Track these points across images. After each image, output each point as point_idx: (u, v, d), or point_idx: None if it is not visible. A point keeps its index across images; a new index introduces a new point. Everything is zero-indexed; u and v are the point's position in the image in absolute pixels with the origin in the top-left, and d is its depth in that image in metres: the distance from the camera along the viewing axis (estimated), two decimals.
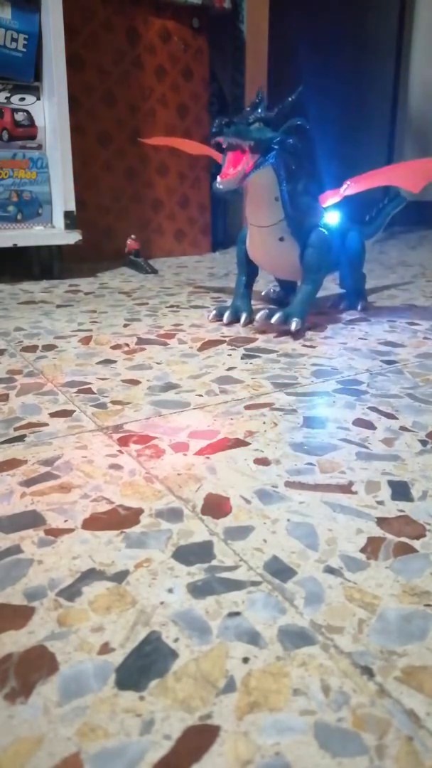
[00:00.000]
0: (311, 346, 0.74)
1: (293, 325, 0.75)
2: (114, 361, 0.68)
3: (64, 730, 0.22)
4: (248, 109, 0.72)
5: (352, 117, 2.05)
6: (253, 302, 0.88)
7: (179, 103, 1.58)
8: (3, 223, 1.22)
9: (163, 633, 0.27)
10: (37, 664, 0.25)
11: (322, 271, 0.81)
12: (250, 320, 0.83)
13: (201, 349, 0.72)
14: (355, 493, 0.39)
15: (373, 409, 0.53)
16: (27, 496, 0.38)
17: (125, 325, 0.85)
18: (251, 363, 0.67)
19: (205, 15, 1.56)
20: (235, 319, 0.84)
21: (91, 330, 0.83)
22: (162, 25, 1.51)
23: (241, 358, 0.68)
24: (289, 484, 0.40)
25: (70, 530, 0.35)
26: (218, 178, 0.68)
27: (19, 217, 1.24)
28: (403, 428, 0.49)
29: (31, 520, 0.36)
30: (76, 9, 1.36)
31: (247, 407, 0.54)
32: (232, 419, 0.51)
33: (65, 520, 0.36)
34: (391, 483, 0.40)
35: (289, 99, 0.74)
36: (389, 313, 0.93)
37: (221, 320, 0.84)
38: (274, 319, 0.76)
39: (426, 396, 0.57)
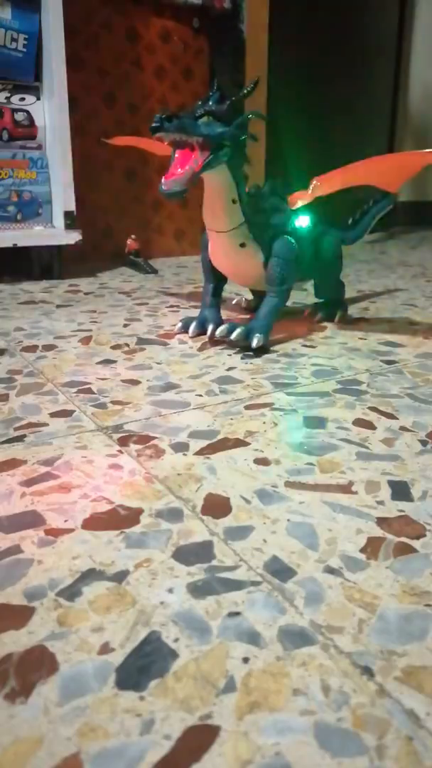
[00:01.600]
0: (311, 346, 0.74)
1: (254, 342, 0.69)
2: (114, 361, 0.68)
3: (64, 730, 0.22)
4: (199, 102, 0.65)
5: (352, 117, 2.05)
6: (230, 311, 0.87)
7: (179, 103, 1.58)
8: (3, 223, 1.22)
9: (163, 633, 0.27)
10: (37, 664, 0.25)
11: (288, 283, 0.74)
12: (217, 325, 0.77)
13: (201, 349, 0.72)
14: (355, 493, 0.39)
15: (373, 409, 0.53)
16: (27, 496, 0.38)
17: (125, 325, 0.85)
18: (251, 363, 0.67)
19: (206, 15, 1.56)
20: (201, 331, 0.77)
21: (91, 330, 0.83)
22: (162, 25, 1.51)
23: (241, 358, 0.68)
24: (289, 484, 0.40)
25: (70, 530, 0.35)
26: (163, 179, 0.60)
27: (19, 217, 1.24)
28: (403, 428, 0.49)
29: (31, 520, 0.36)
30: (76, 9, 1.36)
31: (247, 407, 0.54)
32: (232, 419, 0.51)
33: (65, 520, 0.36)
34: (391, 483, 0.40)
35: (244, 90, 0.68)
36: (389, 313, 0.93)
37: (187, 332, 0.78)
38: (234, 335, 0.69)
39: (426, 396, 0.57)
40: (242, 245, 0.71)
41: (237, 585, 0.30)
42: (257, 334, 0.70)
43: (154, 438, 0.47)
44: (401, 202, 2.60)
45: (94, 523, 0.35)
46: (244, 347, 0.71)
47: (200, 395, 0.57)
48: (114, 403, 0.55)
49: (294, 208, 0.77)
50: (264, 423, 0.50)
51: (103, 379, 0.61)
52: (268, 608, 0.28)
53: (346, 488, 0.39)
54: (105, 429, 0.49)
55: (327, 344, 0.75)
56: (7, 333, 0.81)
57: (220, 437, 0.47)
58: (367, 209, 0.93)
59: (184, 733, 0.22)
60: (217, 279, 0.79)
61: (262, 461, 0.43)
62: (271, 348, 0.73)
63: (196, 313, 0.92)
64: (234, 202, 0.68)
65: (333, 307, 0.87)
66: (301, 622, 0.27)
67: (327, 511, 0.37)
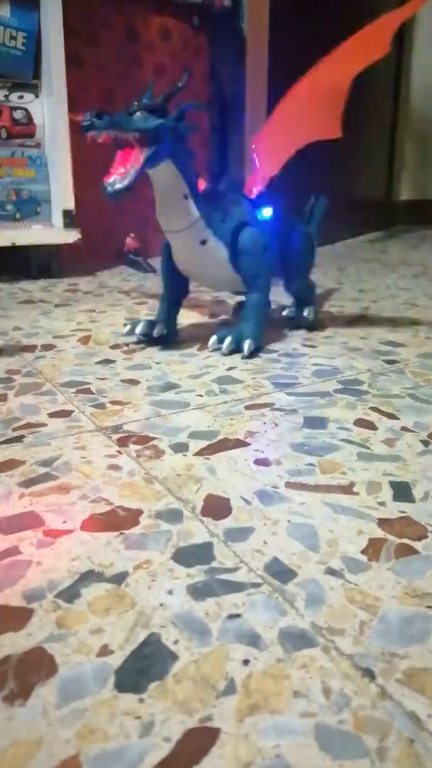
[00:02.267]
0: (312, 346, 0.74)
1: (245, 348, 0.67)
2: (113, 361, 0.68)
3: (63, 732, 0.22)
4: (136, 100, 0.62)
5: (352, 117, 2.05)
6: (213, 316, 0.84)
7: (179, 101, 1.58)
8: (1, 222, 1.22)
9: (162, 635, 0.27)
10: (36, 666, 0.25)
11: (264, 275, 0.71)
12: (170, 334, 0.73)
13: (201, 348, 0.72)
14: (357, 493, 0.39)
15: (374, 409, 0.53)
16: (26, 496, 0.38)
17: (124, 325, 0.85)
18: (251, 363, 0.67)
19: (206, 13, 1.55)
20: (148, 331, 0.72)
21: (90, 329, 0.82)
22: (162, 23, 1.50)
23: (241, 358, 0.68)
24: (289, 485, 0.40)
25: (68, 531, 0.34)
26: (104, 180, 0.58)
27: (17, 215, 1.23)
28: (404, 429, 0.49)
29: (29, 521, 0.36)
30: (76, 7, 1.36)
31: (247, 407, 0.53)
32: (232, 419, 0.51)
33: (64, 521, 0.35)
34: (392, 484, 0.40)
35: (178, 84, 0.65)
36: (390, 313, 0.93)
37: (133, 333, 0.73)
38: (224, 347, 0.67)
39: (427, 396, 0.56)
40: (203, 242, 0.67)
41: (237, 587, 0.30)
42: (247, 340, 0.67)
43: (153, 438, 0.47)
44: (401, 201, 2.60)
45: (93, 524, 0.35)
46: (237, 352, 0.68)
47: (200, 395, 0.56)
48: (113, 403, 0.55)
49: (252, 197, 0.73)
50: (264, 423, 0.50)
51: (102, 378, 0.61)
52: (268, 610, 0.28)
53: (347, 489, 0.39)
54: (104, 429, 0.49)
55: (328, 344, 0.75)
56: (6, 332, 0.81)
57: (220, 437, 0.47)
58: (312, 208, 0.89)
59: (183, 736, 0.22)
60: (175, 286, 0.74)
61: (263, 462, 0.43)
62: (272, 348, 0.73)
63: (195, 311, 0.92)
64: (186, 197, 0.64)
65: (301, 305, 0.82)
66: (302, 624, 0.27)
67: (328, 512, 0.37)
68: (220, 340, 0.68)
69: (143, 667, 0.25)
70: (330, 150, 1.96)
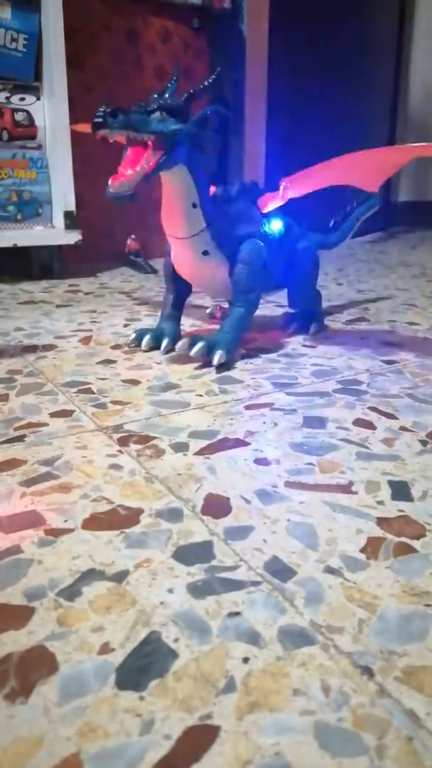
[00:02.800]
0: (311, 346, 0.74)
1: (215, 359, 0.63)
2: (114, 361, 0.68)
3: (64, 730, 0.22)
4: (155, 95, 0.58)
5: (352, 117, 2.05)
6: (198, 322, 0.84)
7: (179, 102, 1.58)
8: (3, 223, 1.22)
9: (163, 633, 0.27)
10: (37, 664, 0.25)
11: (256, 291, 0.68)
12: (173, 347, 0.69)
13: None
14: (355, 493, 0.39)
15: (373, 409, 0.53)
16: (27, 496, 0.38)
17: (125, 325, 0.85)
18: (251, 363, 0.67)
19: (206, 15, 1.56)
20: (155, 345, 0.70)
21: (91, 330, 0.83)
22: (162, 25, 1.51)
23: (242, 358, 0.68)
24: (289, 484, 0.40)
25: (70, 530, 0.35)
26: (109, 181, 0.54)
27: (19, 217, 1.24)
28: (403, 428, 0.49)
29: (31, 520, 0.36)
30: (76, 9, 1.36)
31: (247, 407, 0.54)
32: (232, 419, 0.51)
33: (65, 520, 0.36)
34: (391, 483, 0.40)
35: (205, 83, 0.61)
36: (389, 313, 0.93)
37: (140, 346, 0.71)
38: (194, 351, 0.63)
39: (426, 396, 0.57)
40: (205, 253, 0.64)
41: (237, 585, 0.30)
42: (219, 350, 0.63)
43: (154, 438, 0.47)
44: (401, 201, 2.60)
45: (94, 523, 0.35)
46: (207, 363, 0.65)
47: (200, 395, 0.57)
48: (114, 403, 0.55)
49: (265, 211, 0.71)
50: (264, 423, 0.50)
51: (103, 379, 0.61)
52: (268, 608, 0.28)
53: (346, 488, 0.39)
54: (105, 429, 0.49)
55: (327, 344, 0.75)
56: (7, 333, 0.81)
57: (220, 437, 0.47)
58: (350, 211, 0.86)
59: (184, 733, 0.22)
60: (179, 289, 0.72)
61: (262, 461, 0.43)
62: (271, 348, 0.73)
63: (196, 312, 0.92)
64: (194, 206, 0.61)
65: (308, 318, 0.80)
66: (301, 622, 0.27)
67: (327, 511, 0.37)
68: (192, 344, 0.64)
69: (144, 665, 0.25)
70: (329, 151, 1.95)
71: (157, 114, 0.56)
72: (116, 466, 0.42)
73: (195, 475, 0.41)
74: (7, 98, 1.20)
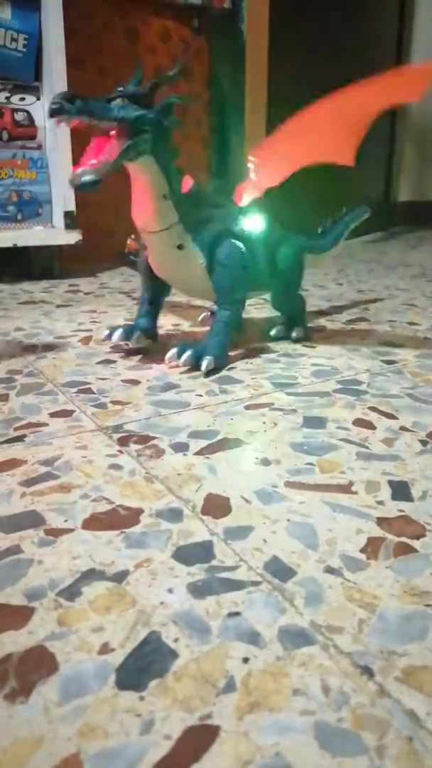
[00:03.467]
0: (311, 346, 0.74)
1: (203, 365, 0.61)
2: (114, 361, 0.68)
3: (64, 730, 0.22)
4: (119, 87, 0.56)
5: None
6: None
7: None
8: (3, 223, 1.22)
9: (163, 633, 0.27)
10: (37, 664, 0.25)
11: (239, 292, 0.65)
12: (150, 336, 0.70)
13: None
14: (355, 493, 0.39)
15: (373, 409, 0.53)
16: (27, 496, 0.38)
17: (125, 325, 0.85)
18: (251, 363, 0.67)
19: (206, 15, 1.56)
20: (126, 339, 0.69)
21: (91, 330, 0.83)
22: (162, 25, 1.51)
23: (241, 358, 0.68)
24: (289, 484, 0.40)
25: (70, 530, 0.35)
26: (72, 170, 0.55)
27: (19, 217, 1.24)
28: (403, 428, 0.49)
29: (31, 520, 0.36)
30: (76, 9, 1.36)
31: (247, 407, 0.54)
32: (232, 419, 0.51)
33: (65, 520, 0.36)
34: (391, 483, 0.40)
35: (171, 72, 0.59)
36: (389, 313, 0.93)
37: (110, 340, 0.70)
38: (182, 360, 0.62)
39: (426, 396, 0.57)
40: (180, 247, 0.62)
41: (237, 585, 0.30)
42: (207, 357, 0.62)
43: (154, 438, 0.47)
44: (401, 201, 2.60)
45: (94, 523, 0.35)
46: (196, 368, 0.63)
47: (200, 395, 0.57)
48: (114, 403, 0.55)
49: (242, 205, 0.67)
50: (264, 423, 0.50)
51: (103, 379, 0.61)
52: (268, 608, 0.28)
53: (346, 488, 0.39)
54: (105, 429, 0.49)
55: (327, 344, 0.75)
56: (7, 333, 0.81)
57: (220, 437, 0.47)
58: (340, 217, 0.83)
59: (184, 733, 0.22)
60: (155, 286, 0.69)
61: (262, 461, 0.43)
62: (271, 348, 0.73)
63: (196, 312, 0.92)
64: (165, 197, 0.59)
65: (290, 323, 0.76)
66: (301, 622, 0.27)
67: (327, 511, 0.37)
68: (180, 354, 0.63)
69: (144, 665, 0.25)
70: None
71: (119, 101, 0.54)
72: (116, 466, 0.42)
73: (195, 475, 0.41)
74: (7, 98, 1.20)
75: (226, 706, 0.23)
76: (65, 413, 0.52)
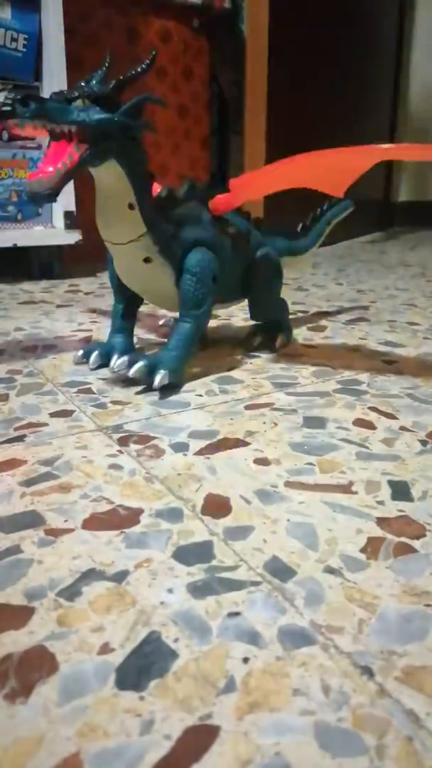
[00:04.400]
0: (311, 346, 0.74)
1: (156, 380, 0.55)
2: None
3: (64, 730, 0.22)
4: (81, 83, 0.51)
5: (352, 117, 2.05)
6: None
7: (179, 103, 1.58)
8: (3, 223, 1.22)
9: (163, 633, 0.27)
10: (37, 664, 0.25)
11: (205, 304, 0.60)
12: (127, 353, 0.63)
13: (201, 348, 0.72)
14: (355, 493, 0.39)
15: (373, 409, 0.53)
16: (27, 496, 0.38)
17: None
18: (251, 363, 0.67)
19: (205, 15, 1.56)
20: (104, 362, 0.64)
21: (91, 330, 0.83)
22: (162, 25, 1.51)
23: (242, 358, 0.68)
24: (289, 484, 0.40)
25: (70, 530, 0.35)
26: (27, 179, 0.48)
27: (19, 216, 1.24)
28: (403, 428, 0.49)
29: (31, 520, 0.36)
30: (76, 9, 1.36)
31: (247, 407, 0.54)
32: (232, 419, 0.51)
33: (65, 520, 0.36)
34: (391, 483, 0.40)
35: (137, 68, 0.53)
36: (389, 313, 0.93)
37: (86, 362, 0.64)
38: (132, 371, 0.56)
39: (426, 396, 0.57)
40: (147, 260, 0.57)
41: (237, 585, 0.30)
42: (162, 370, 0.56)
43: (154, 438, 0.47)
44: (401, 201, 2.60)
45: (94, 523, 0.35)
46: (148, 385, 0.57)
47: (200, 395, 0.57)
48: (114, 403, 0.55)
49: (217, 215, 0.63)
50: (264, 423, 0.50)
51: (103, 379, 0.61)
52: (268, 608, 0.28)
53: (346, 488, 0.39)
54: (105, 429, 0.49)
55: (327, 344, 0.75)
56: (7, 333, 0.81)
57: (220, 437, 0.47)
58: (321, 213, 0.78)
59: (184, 733, 0.22)
60: (127, 298, 0.65)
61: (262, 461, 0.43)
62: (272, 348, 0.73)
63: None
64: (131, 207, 0.54)
65: (273, 330, 0.72)
66: (301, 622, 0.27)
67: (327, 511, 0.37)
68: (131, 363, 0.57)
69: (144, 665, 0.25)
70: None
71: (79, 102, 0.49)
72: (116, 466, 0.42)
73: (195, 475, 0.41)
74: (7, 98, 1.20)
75: (226, 706, 0.23)
76: (65, 413, 0.52)
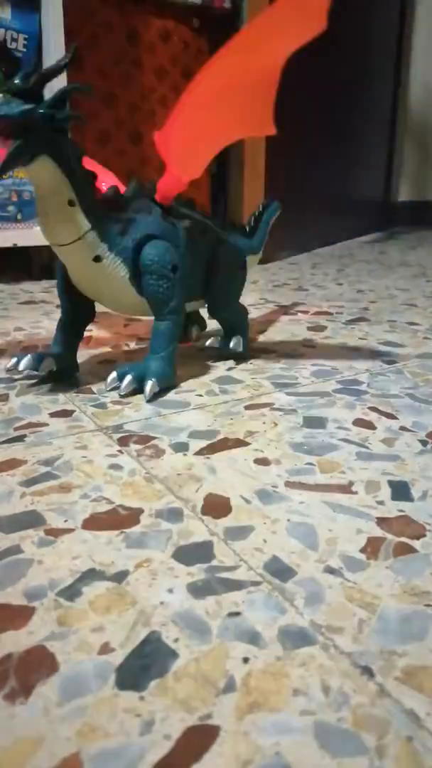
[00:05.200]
0: (311, 346, 0.74)
1: (147, 390, 0.55)
2: (114, 361, 0.68)
3: (64, 730, 0.22)
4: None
5: (351, 117, 2.05)
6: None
7: None
8: (3, 223, 1.22)
9: (163, 633, 0.27)
10: (37, 664, 0.25)
11: (175, 297, 0.57)
12: (65, 364, 0.60)
13: (201, 348, 0.72)
14: (355, 493, 0.39)
15: (373, 409, 0.53)
16: (27, 496, 0.38)
17: (125, 325, 0.85)
18: (251, 363, 0.67)
19: (206, 15, 1.56)
20: (34, 366, 0.57)
21: (91, 330, 0.83)
22: (162, 25, 1.51)
23: (232, 357, 0.68)
24: (289, 484, 0.40)
25: (70, 530, 0.35)
26: None
27: (19, 217, 1.24)
28: (403, 428, 0.49)
29: (31, 520, 0.36)
30: (76, 9, 1.36)
31: (247, 407, 0.54)
32: (232, 419, 0.51)
33: (65, 520, 0.36)
34: (391, 483, 0.40)
35: (60, 62, 0.51)
36: (389, 313, 0.93)
37: (18, 369, 0.57)
38: (123, 387, 0.55)
39: (426, 396, 0.57)
40: (96, 259, 0.54)
41: (237, 585, 0.30)
42: (150, 380, 0.55)
43: (154, 438, 0.47)
44: (401, 201, 2.60)
45: (94, 523, 0.35)
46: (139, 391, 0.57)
47: (200, 395, 0.57)
48: (114, 403, 0.55)
49: (167, 204, 0.59)
50: (264, 423, 0.50)
51: (103, 379, 0.61)
52: (268, 608, 0.28)
53: (346, 488, 0.39)
54: (105, 429, 0.49)
55: (327, 344, 0.75)
56: (7, 333, 0.81)
57: (220, 437, 0.47)
58: (260, 215, 0.76)
59: (184, 733, 0.22)
60: (74, 308, 0.61)
61: (262, 461, 0.43)
62: (271, 348, 0.73)
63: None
64: (71, 204, 0.51)
65: (230, 333, 0.68)
66: (301, 622, 0.27)
67: (327, 511, 0.37)
68: (120, 378, 0.56)
69: (144, 665, 0.25)
70: (329, 151, 1.96)
71: (1, 97, 0.47)
72: (116, 466, 0.42)
73: (195, 475, 0.41)
74: None
75: (226, 706, 0.23)
76: (65, 413, 0.52)
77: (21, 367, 0.57)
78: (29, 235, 1.21)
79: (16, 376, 0.62)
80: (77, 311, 0.61)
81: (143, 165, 1.55)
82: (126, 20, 1.45)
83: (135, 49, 1.48)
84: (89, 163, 0.63)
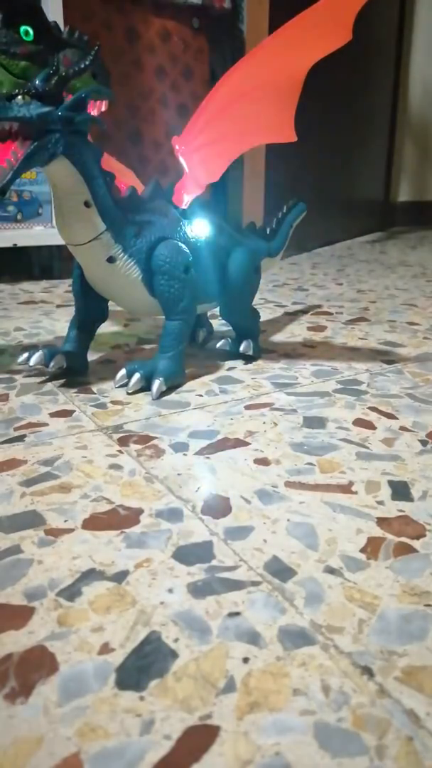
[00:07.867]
0: (311, 346, 0.74)
1: (154, 389, 0.55)
2: (114, 361, 0.68)
3: (64, 730, 0.22)
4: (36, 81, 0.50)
5: (351, 117, 2.05)
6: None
7: (179, 103, 1.58)
8: (3, 223, 1.22)
9: (163, 633, 0.27)
10: (37, 664, 0.25)
11: (185, 297, 0.58)
12: (75, 361, 0.61)
13: (200, 348, 0.72)
14: (355, 493, 0.39)
15: (373, 409, 0.53)
16: (27, 496, 0.38)
17: (125, 325, 0.85)
18: (251, 363, 0.67)
19: (205, 15, 1.56)
20: (44, 363, 0.59)
21: None
22: (162, 25, 1.51)
23: (242, 358, 0.68)
24: (289, 484, 0.40)
25: (70, 530, 0.35)
26: None
27: (19, 216, 1.24)
28: (403, 428, 0.49)
29: (31, 520, 0.36)
30: (76, 9, 1.36)
31: (247, 407, 0.54)
32: (232, 419, 0.51)
33: (65, 520, 0.36)
34: (391, 483, 0.40)
35: (81, 63, 0.51)
36: (389, 313, 0.93)
37: (28, 363, 0.59)
38: (131, 385, 0.56)
39: (426, 396, 0.57)
40: (111, 260, 0.55)
41: (237, 585, 0.30)
42: (157, 379, 0.56)
43: (154, 438, 0.47)
44: (401, 201, 2.60)
45: (94, 523, 0.35)
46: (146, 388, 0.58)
47: (200, 395, 0.57)
48: (114, 403, 0.55)
49: (183, 207, 0.60)
50: (264, 423, 0.50)
51: (102, 378, 0.61)
52: (268, 608, 0.28)
53: (346, 488, 0.39)
54: (105, 429, 0.49)
55: (327, 344, 0.75)
56: (8, 333, 0.81)
57: (220, 437, 0.47)
58: (282, 217, 0.76)
59: (184, 733, 0.22)
60: (88, 308, 0.62)
61: (262, 461, 0.43)
62: (271, 348, 0.73)
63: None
64: (87, 205, 0.53)
65: (241, 336, 0.68)
66: (301, 622, 0.27)
67: (327, 511, 0.37)
68: (129, 375, 0.57)
69: (144, 665, 0.25)
70: (329, 151, 1.95)
71: (20, 98, 0.48)
72: (116, 466, 0.42)
73: (195, 475, 0.41)
74: None
75: (226, 706, 0.23)
76: (65, 413, 0.52)
77: (32, 362, 0.59)
78: (29, 235, 1.21)
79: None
80: (90, 310, 0.62)
81: (143, 164, 1.55)
82: (126, 20, 1.45)
83: (134, 49, 1.48)
84: (109, 162, 0.63)
